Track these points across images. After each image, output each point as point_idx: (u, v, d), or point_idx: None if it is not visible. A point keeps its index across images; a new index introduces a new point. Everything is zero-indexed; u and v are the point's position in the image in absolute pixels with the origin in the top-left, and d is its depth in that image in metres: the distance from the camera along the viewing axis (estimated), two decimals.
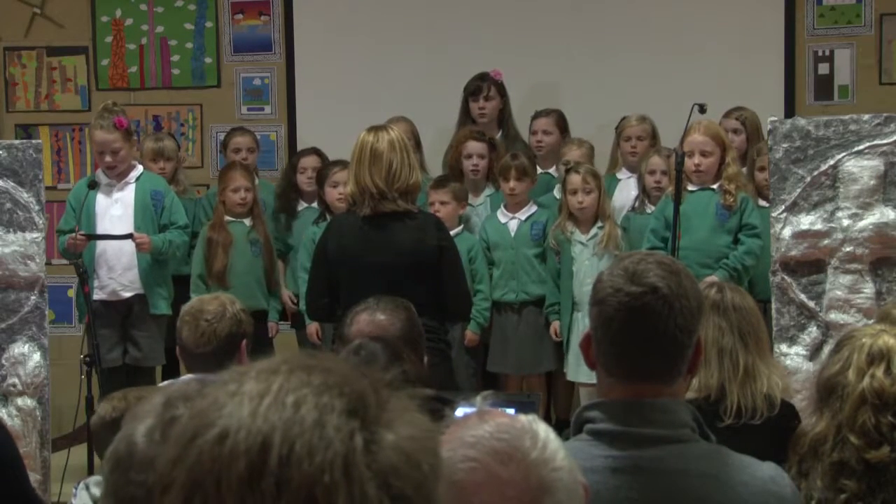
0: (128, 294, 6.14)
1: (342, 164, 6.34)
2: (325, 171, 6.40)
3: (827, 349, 4.90)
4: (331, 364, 1.14)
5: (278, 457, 1.06)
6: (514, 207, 6.26)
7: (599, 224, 6.03)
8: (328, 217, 6.33)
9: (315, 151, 6.74)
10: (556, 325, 6.12)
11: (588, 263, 5.95)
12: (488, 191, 6.51)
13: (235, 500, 1.06)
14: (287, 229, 6.72)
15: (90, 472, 5.24)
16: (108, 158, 6.12)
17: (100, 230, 6.11)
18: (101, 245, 6.12)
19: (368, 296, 3.57)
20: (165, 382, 4.04)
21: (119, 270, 6.13)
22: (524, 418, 1.58)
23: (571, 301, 6.04)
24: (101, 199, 6.13)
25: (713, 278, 5.40)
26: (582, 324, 5.91)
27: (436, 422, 1.17)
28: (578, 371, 5.88)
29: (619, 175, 6.55)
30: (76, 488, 3.21)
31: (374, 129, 4.81)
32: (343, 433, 1.07)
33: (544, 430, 1.57)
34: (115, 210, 6.14)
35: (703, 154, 5.76)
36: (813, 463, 2.85)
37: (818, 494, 2.82)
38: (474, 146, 6.42)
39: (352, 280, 4.61)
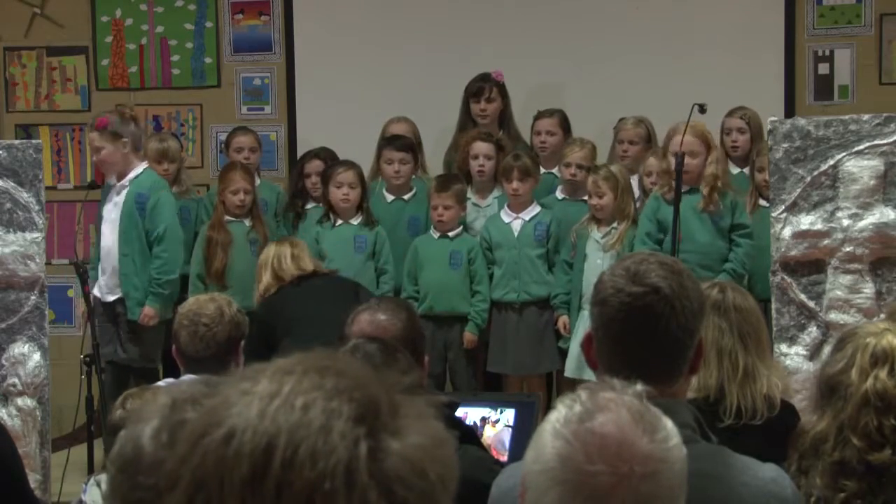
0: (112, 297, 6.16)
1: (347, 164, 6.36)
2: (329, 171, 6.40)
3: (827, 349, 4.90)
4: (346, 367, 1.13)
5: (281, 460, 1.05)
6: (517, 207, 6.26)
7: (615, 224, 6.02)
8: (332, 217, 6.34)
9: (317, 155, 6.73)
10: (564, 319, 6.11)
11: (599, 262, 5.94)
12: (496, 192, 6.50)
13: (236, 500, 1.06)
14: (294, 229, 6.72)
15: (90, 471, 5.24)
16: (94, 158, 6.21)
17: (102, 234, 6.24)
18: (104, 247, 6.20)
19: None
20: (165, 381, 4.04)
21: (108, 273, 6.17)
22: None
23: (579, 297, 6.04)
24: (107, 201, 6.23)
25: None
26: (587, 321, 5.89)
27: (451, 429, 1.16)
28: (581, 369, 5.87)
29: None
30: (86, 484, 3.20)
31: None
32: (348, 440, 1.07)
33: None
34: (113, 214, 6.18)
35: (690, 155, 5.74)
36: (813, 461, 2.84)
37: (817, 492, 2.81)
38: (481, 147, 6.42)
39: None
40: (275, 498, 1.05)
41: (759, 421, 3.35)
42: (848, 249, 4.85)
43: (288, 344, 5.01)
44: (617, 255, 5.76)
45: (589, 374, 5.64)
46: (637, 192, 6.34)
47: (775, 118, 5.07)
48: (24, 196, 5.33)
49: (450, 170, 6.60)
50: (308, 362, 1.13)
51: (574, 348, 5.90)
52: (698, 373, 2.50)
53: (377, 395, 1.11)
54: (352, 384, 1.11)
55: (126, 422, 1.74)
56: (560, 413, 1.63)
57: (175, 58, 7.70)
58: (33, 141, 5.67)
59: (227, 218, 6.42)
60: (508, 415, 3.99)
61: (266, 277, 5.44)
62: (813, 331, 4.91)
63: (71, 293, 7.42)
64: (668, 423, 1.64)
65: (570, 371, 5.98)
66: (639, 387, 1.67)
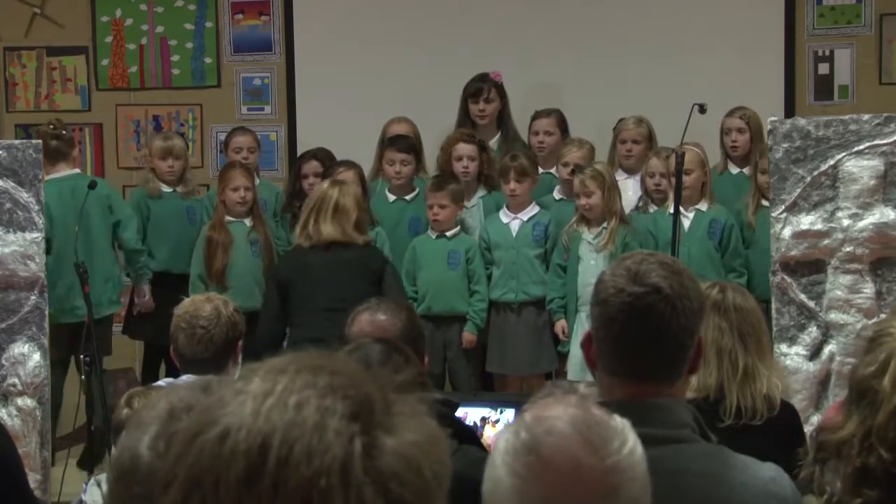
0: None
1: (347, 164, 6.35)
2: (330, 171, 6.39)
3: (827, 349, 4.90)
4: (339, 365, 1.13)
5: (276, 458, 1.06)
6: (516, 208, 6.26)
7: (605, 224, 6.02)
8: None
9: (314, 156, 6.73)
10: (562, 323, 6.11)
11: (594, 263, 5.93)
12: (480, 192, 6.51)
13: (232, 499, 1.06)
14: (291, 230, 6.71)
15: (90, 471, 5.24)
16: None
17: None
18: None
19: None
20: (165, 381, 4.04)
21: None
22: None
23: (575, 299, 6.03)
24: None
25: None
26: (584, 323, 5.90)
27: (444, 426, 1.16)
28: (585, 371, 5.84)
29: (616, 176, 6.53)
30: (87, 484, 3.21)
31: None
32: (343, 437, 1.07)
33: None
34: None
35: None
36: (832, 457, 2.79)
37: (830, 489, 2.77)
38: (464, 148, 6.42)
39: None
40: (271, 496, 1.05)
41: (759, 421, 3.35)
42: (848, 249, 4.86)
43: (298, 318, 5.59)
44: (610, 256, 5.76)
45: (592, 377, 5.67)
46: (632, 192, 6.34)
47: (775, 118, 5.07)
48: (24, 196, 5.33)
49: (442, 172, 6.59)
50: (301, 361, 1.13)
51: (575, 351, 5.89)
52: (698, 372, 2.49)
53: (371, 393, 1.11)
54: (345, 382, 1.11)
55: (128, 423, 1.73)
56: (508, 443, 1.59)
57: (175, 58, 7.70)
58: (33, 141, 5.67)
59: (228, 218, 6.42)
60: (508, 415, 3.99)
61: (300, 240, 5.74)
62: (813, 331, 4.91)
63: None
64: (620, 426, 1.60)
65: (573, 374, 5.97)
66: (583, 388, 1.65)
